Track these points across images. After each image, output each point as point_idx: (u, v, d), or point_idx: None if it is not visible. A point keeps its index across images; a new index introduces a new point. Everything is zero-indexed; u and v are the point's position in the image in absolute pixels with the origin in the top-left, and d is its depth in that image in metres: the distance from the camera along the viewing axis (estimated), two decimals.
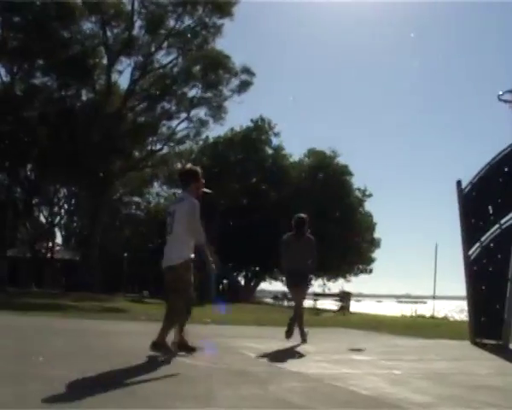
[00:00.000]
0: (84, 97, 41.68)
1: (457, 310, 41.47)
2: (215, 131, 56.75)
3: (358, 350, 9.74)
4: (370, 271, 54.07)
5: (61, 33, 37.90)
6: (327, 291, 46.84)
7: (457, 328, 17.17)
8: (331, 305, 36.28)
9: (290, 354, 9.10)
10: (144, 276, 47.24)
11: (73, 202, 55.76)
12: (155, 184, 50.35)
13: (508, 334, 12.19)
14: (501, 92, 12.89)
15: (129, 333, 11.74)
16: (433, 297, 53.49)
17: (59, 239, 56.35)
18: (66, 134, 37.46)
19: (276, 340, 10.79)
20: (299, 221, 11.21)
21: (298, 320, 11.11)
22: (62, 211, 55.02)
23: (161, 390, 5.20)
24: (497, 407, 5.28)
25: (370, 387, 6.00)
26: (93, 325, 13.00)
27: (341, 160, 50.02)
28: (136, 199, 55.73)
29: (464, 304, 14.06)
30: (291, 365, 7.53)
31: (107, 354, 7.89)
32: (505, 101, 12.89)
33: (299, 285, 11.27)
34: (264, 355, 8.39)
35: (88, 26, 39.26)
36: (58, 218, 54.42)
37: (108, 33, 38.98)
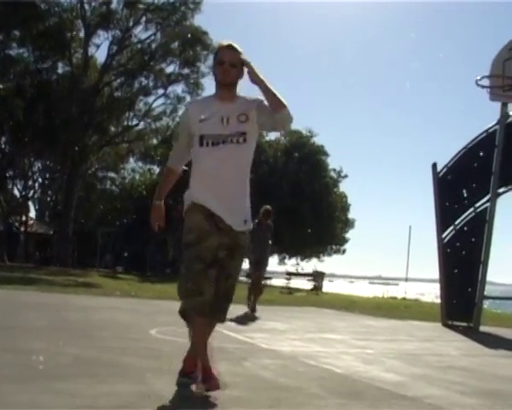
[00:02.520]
0: (60, 70, 41.22)
1: (429, 292, 41.91)
2: None
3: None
4: (344, 251, 54.32)
5: (38, 5, 37.33)
6: (300, 271, 46.95)
7: (429, 310, 17.39)
8: (304, 284, 36.41)
9: (264, 331, 9.17)
10: (119, 251, 47.14)
11: (48, 175, 55.27)
12: (131, 159, 49.97)
13: (478, 317, 12.39)
14: (479, 77, 12.98)
15: (104, 308, 11.74)
16: (406, 279, 54.05)
17: (33, 213, 55.93)
18: (42, 107, 37.05)
19: (249, 317, 10.87)
20: (267, 213, 12.70)
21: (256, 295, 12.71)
22: (36, 185, 54.57)
23: (138, 365, 5.23)
24: (465, 385, 5.38)
25: (344, 365, 6.07)
26: (67, 300, 12.96)
27: (318, 140, 50.07)
28: (112, 174, 55.33)
29: (437, 287, 14.22)
30: (265, 342, 7.58)
31: (84, 328, 7.89)
32: (482, 86, 12.99)
33: (260, 270, 12.95)
34: (239, 332, 8.45)
35: None
36: (32, 191, 53.97)
37: (86, 6, 38.47)
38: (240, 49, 4.39)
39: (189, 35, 38.78)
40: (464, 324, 12.44)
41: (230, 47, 4.37)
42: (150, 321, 9.36)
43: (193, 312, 4.23)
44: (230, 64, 4.30)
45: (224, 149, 4.24)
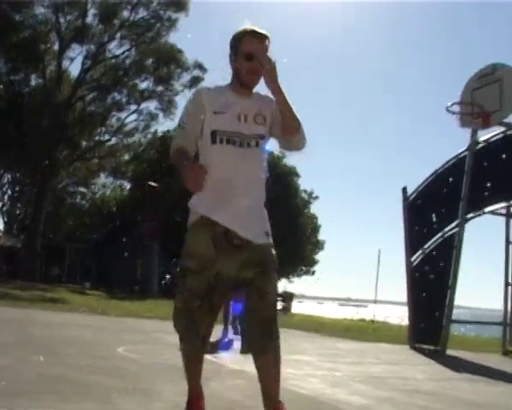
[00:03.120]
0: (33, 83, 41.03)
1: (398, 315, 42.09)
2: (164, 125, 56.52)
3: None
4: (313, 272, 54.43)
5: (13, 16, 37.15)
6: None
7: (397, 333, 17.45)
8: None
9: (232, 351, 9.14)
10: (87, 267, 46.74)
11: (17, 188, 54.84)
12: (102, 175, 49.75)
13: (445, 340, 12.45)
14: (449, 104, 13.14)
15: (70, 324, 11.63)
16: (375, 301, 54.12)
17: (1, 225, 55.34)
18: (14, 119, 36.81)
19: (215, 336, 10.82)
20: None
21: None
22: (6, 197, 54.09)
23: (104, 383, 5.17)
24: (429, 409, 5.41)
25: (310, 388, 6.07)
26: (34, 315, 12.82)
27: (289, 161, 50.29)
28: (82, 189, 55.00)
29: (405, 309, 14.30)
30: (233, 363, 7.55)
31: (50, 344, 7.79)
32: (453, 112, 13.15)
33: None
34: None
35: (41, 10, 38.57)
36: (1, 204, 53.46)
37: (61, 19, 38.41)
38: (269, 37, 3.59)
39: (164, 53, 38.85)
40: (431, 347, 12.50)
41: (261, 36, 3.55)
42: (117, 339, 9.28)
43: (187, 355, 3.70)
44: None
45: (241, 150, 3.52)
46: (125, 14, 38.94)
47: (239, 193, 3.49)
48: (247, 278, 3.41)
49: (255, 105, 3.63)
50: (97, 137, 42.68)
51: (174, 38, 40.40)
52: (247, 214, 3.48)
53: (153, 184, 39.98)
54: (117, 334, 10.41)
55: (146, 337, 10.34)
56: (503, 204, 13.00)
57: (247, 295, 3.43)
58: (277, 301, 3.68)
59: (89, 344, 8.31)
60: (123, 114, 41.65)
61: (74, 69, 41.26)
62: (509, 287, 13.94)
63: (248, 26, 3.59)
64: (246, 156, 3.53)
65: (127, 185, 49.29)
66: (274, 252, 3.56)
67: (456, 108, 13.21)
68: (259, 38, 3.53)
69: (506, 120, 12.69)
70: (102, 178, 51.35)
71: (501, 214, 13.90)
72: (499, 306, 14.43)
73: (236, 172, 3.50)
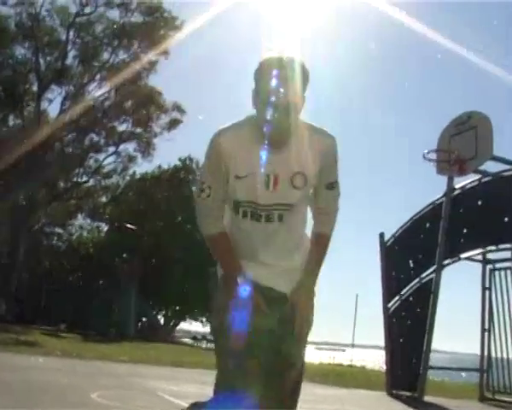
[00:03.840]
0: (11, 123, 40.91)
1: (376, 359, 41.97)
2: (143, 167, 56.47)
3: None
4: None
5: None
6: None
7: (375, 378, 17.38)
8: None
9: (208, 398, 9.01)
10: (62, 309, 46.19)
11: None
12: (79, 216, 49.47)
13: (423, 387, 12.43)
14: (426, 151, 13.30)
15: (44, 368, 11.45)
16: (353, 345, 54.10)
17: None
18: None
19: (193, 382, 10.70)
20: None
21: None
22: None
23: None
24: None
25: None
26: (6, 359, 12.61)
27: None
28: (59, 230, 54.61)
29: (383, 353, 14.26)
30: None
31: (23, 390, 7.66)
32: (430, 160, 13.30)
33: None
34: (181, 398, 8.30)
35: (20, 51, 38.64)
36: None
37: (41, 60, 38.47)
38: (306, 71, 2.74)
39: (143, 95, 39.00)
40: (409, 393, 12.47)
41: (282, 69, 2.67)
42: (91, 384, 9.15)
43: None
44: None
45: (269, 227, 2.84)
46: (106, 55, 39.12)
47: (269, 260, 2.94)
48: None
49: (295, 159, 2.78)
50: (75, 178, 42.51)
51: (153, 80, 40.53)
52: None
53: (130, 226, 39.81)
54: (91, 378, 10.26)
55: (120, 382, 10.21)
56: (479, 250, 13.09)
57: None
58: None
59: (62, 390, 8.17)
60: (101, 156, 41.58)
61: (53, 110, 41.47)
62: (486, 333, 13.97)
63: (273, 55, 2.74)
64: (276, 228, 2.87)
65: (104, 227, 49.05)
66: None
67: (433, 156, 13.36)
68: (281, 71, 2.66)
69: (482, 168, 12.85)
70: (80, 220, 51.07)
71: (477, 260, 14.00)
72: (477, 350, 14.45)
73: (265, 245, 2.91)
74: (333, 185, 2.93)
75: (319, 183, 2.86)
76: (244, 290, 2.83)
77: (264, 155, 2.75)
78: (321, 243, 3.01)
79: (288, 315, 2.86)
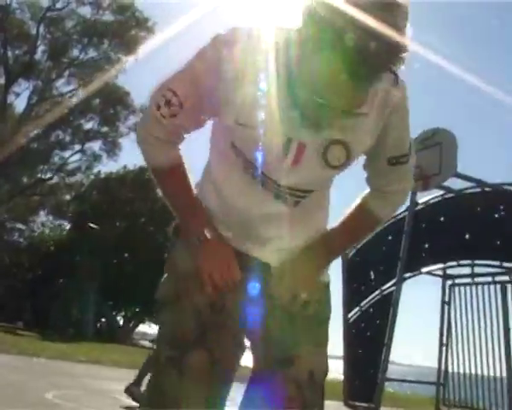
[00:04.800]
0: None
1: (332, 369, 42.19)
2: (108, 166, 56.06)
3: None
4: None
5: None
6: None
7: (331, 389, 17.40)
8: None
9: None
10: (20, 306, 45.59)
11: None
12: (42, 213, 48.93)
13: (379, 398, 12.50)
14: None
15: None
16: None
17: None
18: None
19: None
20: None
21: None
22: None
23: None
24: None
25: None
26: None
27: None
28: (20, 226, 53.94)
29: (340, 364, 14.31)
30: None
31: None
32: None
33: None
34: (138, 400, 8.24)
35: None
36: None
37: (9, 53, 38.06)
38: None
39: (111, 94, 38.79)
40: (365, 404, 12.53)
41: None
42: (47, 383, 9.04)
43: None
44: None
45: (275, 205, 1.93)
46: (75, 52, 38.85)
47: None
48: None
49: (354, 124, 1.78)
50: (39, 175, 42.07)
51: (122, 80, 40.42)
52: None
53: (92, 225, 39.46)
54: (47, 378, 10.13)
55: (77, 382, 10.11)
56: (439, 265, 13.24)
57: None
58: None
59: (16, 389, 8.06)
60: (66, 153, 41.24)
61: (20, 104, 40.95)
62: (444, 347, 14.12)
63: None
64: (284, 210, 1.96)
65: (67, 225, 48.55)
66: None
67: None
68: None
69: (445, 184, 12.97)
70: (42, 217, 50.52)
71: (438, 275, 14.14)
72: (435, 363, 14.57)
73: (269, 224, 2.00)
74: (402, 159, 1.94)
75: (377, 156, 1.94)
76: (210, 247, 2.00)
77: (289, 106, 1.74)
78: (367, 222, 2.11)
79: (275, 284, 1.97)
